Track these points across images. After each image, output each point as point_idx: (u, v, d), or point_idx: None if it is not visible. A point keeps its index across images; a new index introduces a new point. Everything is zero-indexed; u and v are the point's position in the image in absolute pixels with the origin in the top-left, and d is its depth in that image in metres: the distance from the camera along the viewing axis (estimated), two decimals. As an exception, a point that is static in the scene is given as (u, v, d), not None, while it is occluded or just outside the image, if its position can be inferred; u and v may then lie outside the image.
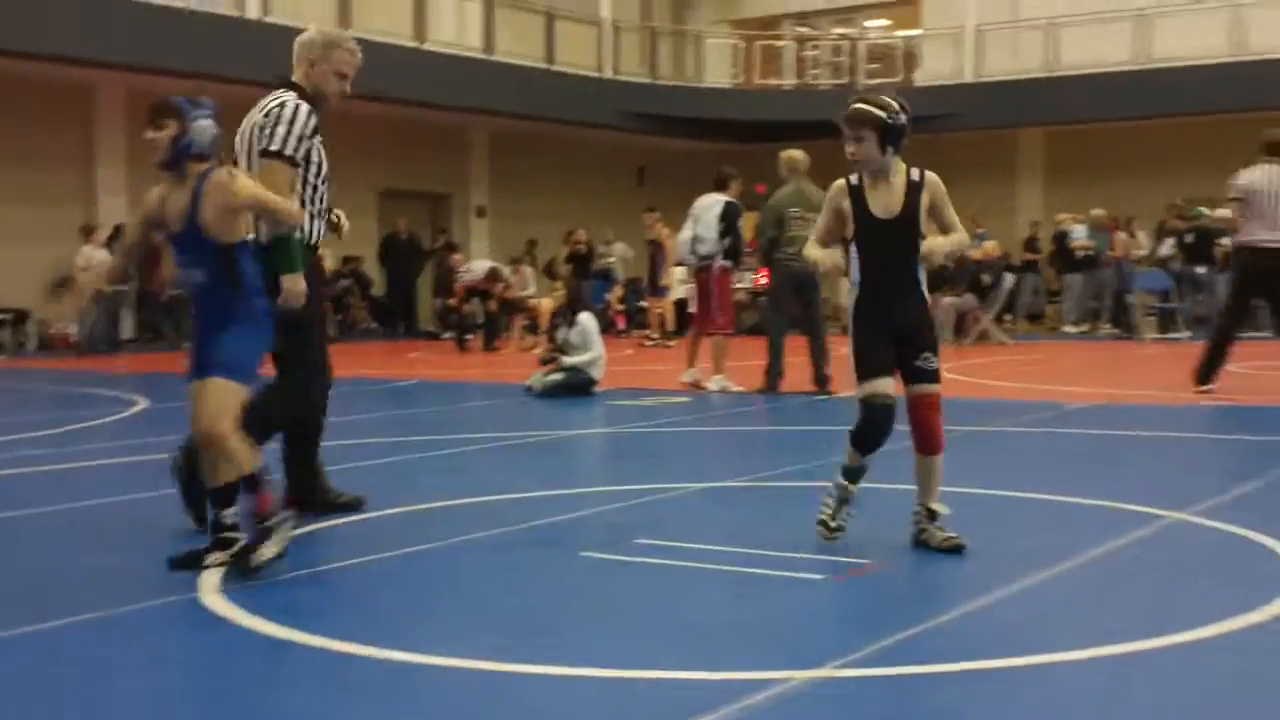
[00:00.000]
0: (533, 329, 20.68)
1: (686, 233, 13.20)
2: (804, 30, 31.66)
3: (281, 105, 6.16)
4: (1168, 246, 22.96)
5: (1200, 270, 21.94)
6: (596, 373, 12.79)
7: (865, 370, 5.58)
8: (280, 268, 5.89)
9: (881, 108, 5.51)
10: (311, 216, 6.25)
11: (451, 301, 21.28)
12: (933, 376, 5.63)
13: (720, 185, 13.07)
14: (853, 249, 5.67)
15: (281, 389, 6.30)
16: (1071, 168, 27.80)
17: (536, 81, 25.27)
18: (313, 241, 6.29)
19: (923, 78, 28.73)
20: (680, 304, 21.77)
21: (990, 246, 21.26)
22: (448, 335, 21.68)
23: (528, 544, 5.87)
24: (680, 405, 11.72)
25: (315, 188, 6.26)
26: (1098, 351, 19.10)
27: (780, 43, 30.30)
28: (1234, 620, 4.38)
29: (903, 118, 5.53)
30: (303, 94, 6.25)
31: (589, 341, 12.86)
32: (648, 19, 30.61)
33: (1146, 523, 6.05)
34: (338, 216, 6.52)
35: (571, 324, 13.07)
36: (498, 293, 20.75)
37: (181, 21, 19.74)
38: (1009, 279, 21.07)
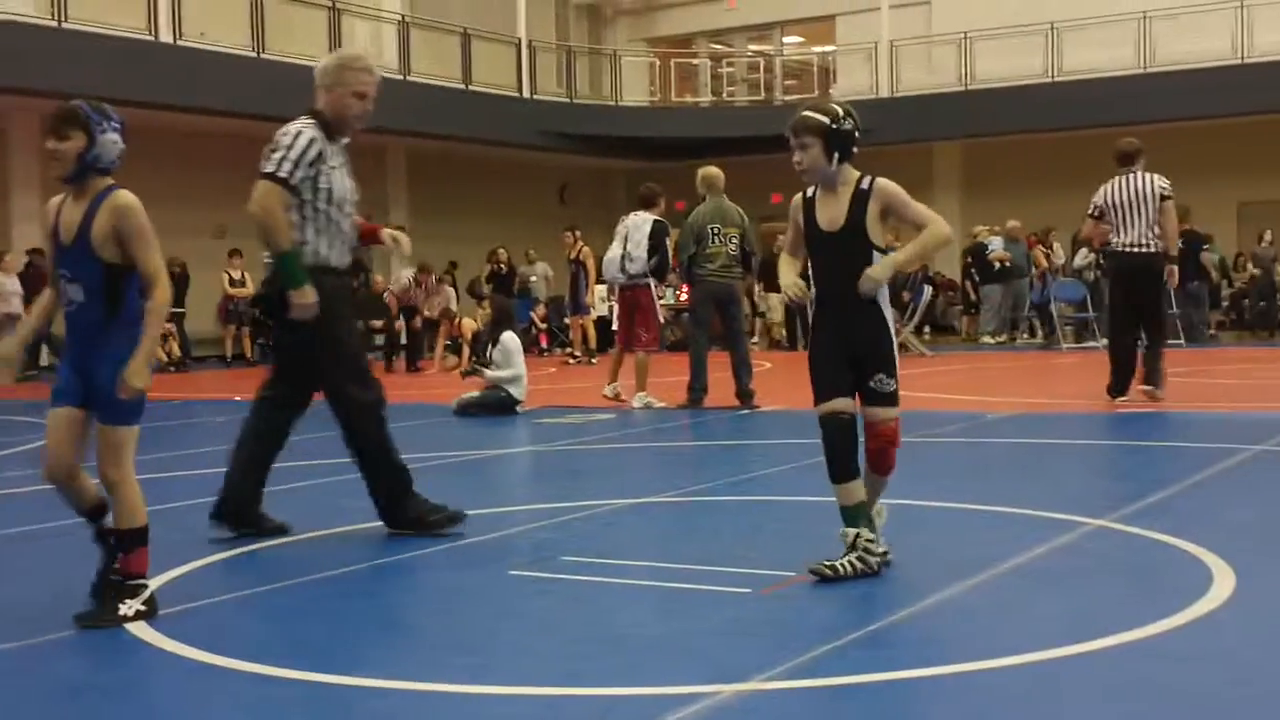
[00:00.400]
0: (455, 348, 20.60)
1: (615, 251, 13.09)
2: (720, 48, 31.87)
3: (285, 132, 6.23)
4: (1082, 257, 23.26)
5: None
6: (518, 392, 12.77)
7: (817, 390, 5.40)
8: (283, 284, 6.08)
9: (826, 113, 5.33)
10: (327, 240, 6.27)
11: (375, 323, 21.16)
12: (886, 400, 5.36)
13: (648, 203, 13.08)
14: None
15: (357, 411, 6.44)
16: (988, 180, 28.13)
17: (454, 102, 25.24)
18: (332, 264, 6.31)
19: (839, 93, 28.94)
20: (602, 321, 21.80)
21: (909, 259, 21.43)
22: (370, 355, 21.58)
23: (453, 564, 5.84)
24: (604, 422, 11.72)
25: (323, 212, 6.24)
26: (1016, 361, 19.29)
27: (696, 60, 30.47)
28: (1155, 625, 4.43)
29: (849, 123, 5.35)
30: (323, 121, 6.25)
31: (511, 360, 12.84)
32: (564, 39, 30.66)
33: (1068, 530, 6.11)
34: (394, 237, 6.66)
35: (495, 343, 13.05)
36: (419, 305, 20.66)
37: (95, 46, 19.51)
38: (928, 291, 21.25)
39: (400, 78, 24.66)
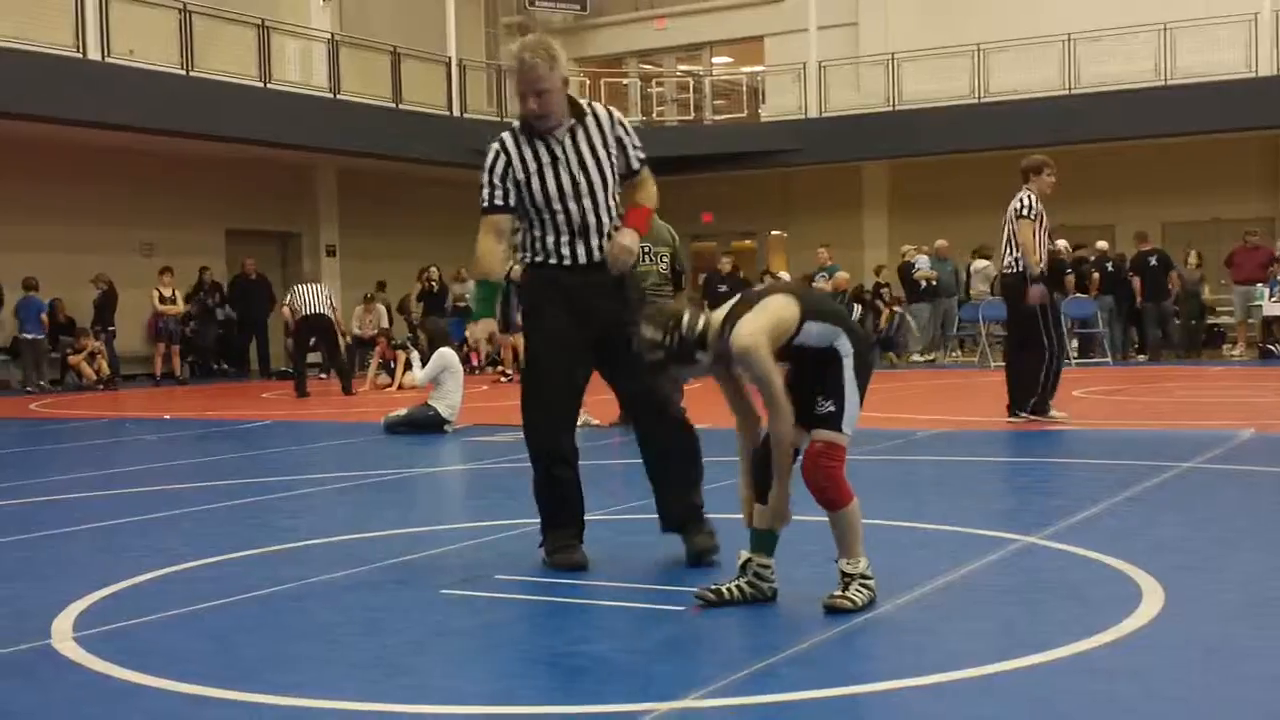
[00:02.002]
0: (387, 369, 20.52)
1: None
2: (649, 68, 31.97)
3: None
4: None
5: (1052, 297, 22.52)
6: (447, 410, 12.73)
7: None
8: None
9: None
10: (553, 238, 5.95)
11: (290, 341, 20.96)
12: (824, 420, 5.19)
13: None
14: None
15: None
16: (915, 200, 28.37)
17: (383, 120, 25.16)
18: (565, 263, 5.95)
19: (768, 113, 29.13)
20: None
21: (841, 278, 21.58)
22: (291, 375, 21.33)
23: (385, 583, 5.81)
24: (506, 444, 11.67)
25: (549, 211, 5.93)
26: (945, 380, 19.45)
27: (626, 80, 30.54)
28: (1085, 641, 4.47)
29: None
30: (524, 124, 6.01)
31: (454, 378, 12.87)
32: (494, 58, 30.66)
33: (998, 547, 6.16)
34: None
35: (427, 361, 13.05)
36: (357, 329, 20.44)
37: (22, 62, 19.28)
38: (856, 309, 21.39)
39: (330, 96, 24.57)
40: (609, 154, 5.96)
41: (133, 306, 22.51)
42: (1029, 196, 11.64)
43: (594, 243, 5.94)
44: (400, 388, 19.16)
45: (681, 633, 4.88)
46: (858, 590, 5.05)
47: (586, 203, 5.91)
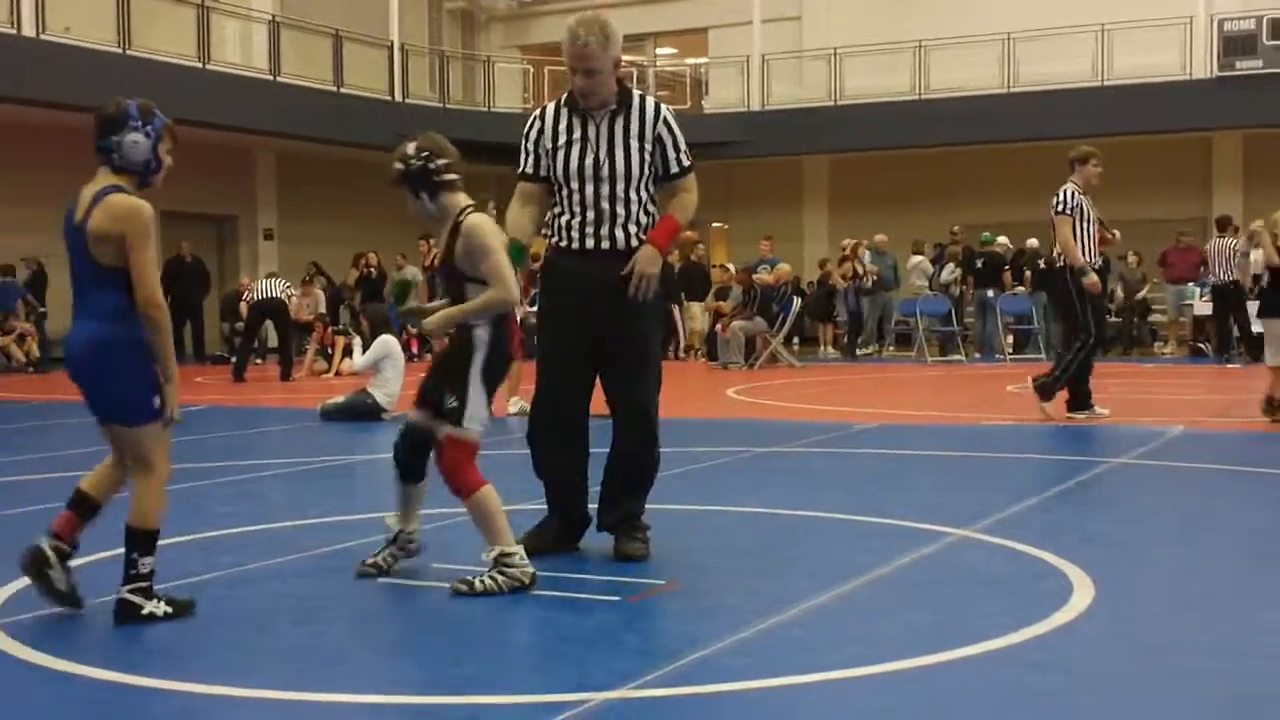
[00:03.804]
0: (325, 354, 20.39)
1: None
2: (593, 56, 31.86)
3: None
4: (948, 272, 23.72)
5: (989, 293, 22.78)
6: (384, 398, 12.66)
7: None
8: None
9: (397, 159, 5.40)
10: (565, 219, 5.86)
11: (237, 324, 20.81)
12: (446, 415, 5.35)
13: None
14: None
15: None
16: (855, 194, 28.51)
17: (324, 104, 24.99)
18: (576, 245, 5.84)
19: (711, 105, 29.18)
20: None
21: (782, 270, 21.65)
22: (231, 359, 21.18)
23: (320, 570, 5.78)
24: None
25: (567, 188, 5.84)
26: (883, 373, 19.57)
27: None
28: (1016, 634, 4.52)
29: (421, 161, 5.38)
30: (570, 97, 5.92)
31: (384, 365, 12.80)
32: (437, 43, 30.52)
33: (932, 540, 6.21)
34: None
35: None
36: (294, 313, 20.28)
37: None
38: (797, 303, 21.49)
39: (270, 78, 24.36)
40: (643, 147, 5.82)
41: (65, 288, 22.24)
42: (1069, 191, 11.54)
43: (605, 230, 5.81)
44: (338, 374, 19.05)
45: (617, 623, 4.89)
46: (491, 577, 5.22)
47: (605, 189, 5.79)
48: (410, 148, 5.41)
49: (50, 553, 4.90)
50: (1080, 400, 11.59)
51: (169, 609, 4.85)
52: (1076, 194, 11.53)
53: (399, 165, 5.39)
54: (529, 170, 5.92)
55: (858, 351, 23.40)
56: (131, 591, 4.82)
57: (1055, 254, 11.64)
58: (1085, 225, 11.49)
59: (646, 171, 5.84)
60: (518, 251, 5.75)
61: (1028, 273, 22.92)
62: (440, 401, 5.37)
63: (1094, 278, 11.31)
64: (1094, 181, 11.67)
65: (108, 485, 5.09)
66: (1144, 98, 24.59)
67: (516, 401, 12.57)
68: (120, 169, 4.94)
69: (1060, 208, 11.49)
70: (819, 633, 4.71)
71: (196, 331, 24.52)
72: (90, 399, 4.96)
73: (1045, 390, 11.56)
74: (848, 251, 24.17)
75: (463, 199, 5.46)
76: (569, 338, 5.83)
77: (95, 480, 5.10)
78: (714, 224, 30.19)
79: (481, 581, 5.22)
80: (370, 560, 5.61)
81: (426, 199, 5.40)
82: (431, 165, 5.38)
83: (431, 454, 5.48)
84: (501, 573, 5.24)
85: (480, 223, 5.36)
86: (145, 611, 4.81)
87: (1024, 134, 25.60)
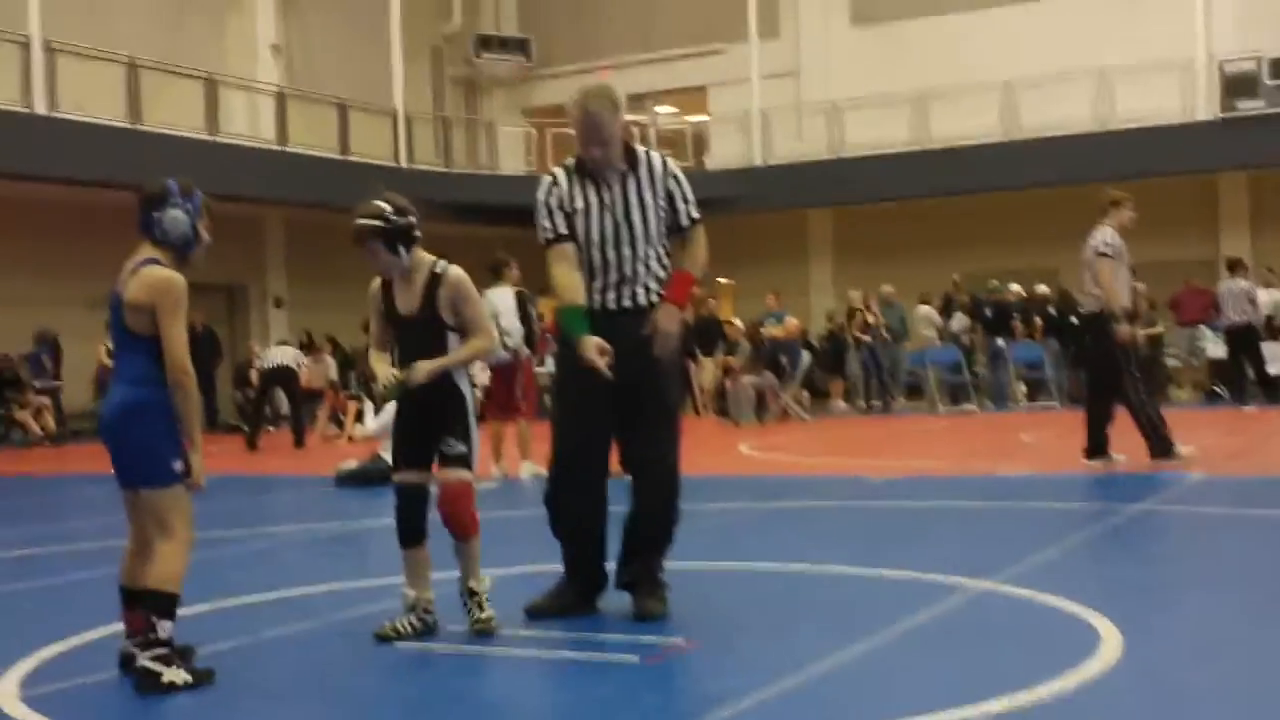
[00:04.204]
0: (337, 420, 20.41)
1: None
2: (595, 117, 31.98)
3: None
4: (958, 321, 23.69)
5: (1000, 341, 22.72)
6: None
7: (396, 461, 5.74)
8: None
9: (376, 216, 5.56)
10: (599, 283, 5.85)
11: (249, 392, 20.83)
12: (455, 460, 5.63)
13: (498, 273, 13.10)
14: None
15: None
16: (860, 245, 28.54)
17: (331, 171, 25.12)
18: (608, 307, 5.84)
19: (713, 162, 29.28)
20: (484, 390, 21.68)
21: (790, 325, 21.66)
22: (243, 428, 21.16)
23: (336, 638, 5.75)
24: (489, 491, 11.64)
25: (588, 253, 5.85)
26: (896, 425, 19.53)
27: (571, 130, 30.62)
28: (1045, 687, 4.47)
29: (403, 218, 5.59)
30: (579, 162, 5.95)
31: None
32: (440, 109, 30.70)
33: (953, 593, 6.17)
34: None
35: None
36: (305, 381, 20.32)
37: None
38: (806, 356, 21.48)
39: (278, 149, 24.51)
40: (657, 204, 5.89)
41: (79, 361, 22.31)
42: (1110, 233, 11.31)
43: (626, 291, 5.85)
44: (350, 439, 19.05)
45: (637, 684, 4.86)
46: (488, 606, 5.66)
47: (626, 251, 5.84)
48: (387, 206, 5.59)
49: (150, 662, 4.87)
50: (1097, 448, 11.49)
51: (189, 678, 4.84)
52: (1117, 237, 11.29)
53: (379, 223, 5.56)
54: (562, 232, 5.88)
55: (867, 404, 23.32)
56: (153, 659, 4.83)
57: (1092, 298, 11.31)
58: (1120, 271, 11.30)
59: (662, 228, 5.90)
60: (579, 317, 5.75)
61: (1038, 320, 22.88)
62: (445, 451, 5.62)
63: (1129, 326, 11.14)
64: (1129, 225, 11.44)
65: (142, 571, 5.11)
66: (1147, 141, 24.63)
67: (530, 466, 12.53)
68: (161, 243, 5.15)
69: (1104, 250, 11.18)
70: (842, 690, 4.68)
71: (210, 401, 24.53)
72: (116, 461, 5.09)
73: (1161, 450, 11.14)
74: (859, 304, 24.13)
75: (426, 253, 5.71)
76: (590, 397, 5.81)
77: (128, 571, 5.16)
78: (720, 279, 30.26)
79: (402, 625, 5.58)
80: (390, 625, 5.62)
81: (404, 253, 5.61)
82: (412, 221, 5.62)
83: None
84: (480, 606, 5.61)
85: (465, 274, 5.67)
86: (165, 680, 4.80)
87: (1027, 181, 25.65)
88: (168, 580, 4.91)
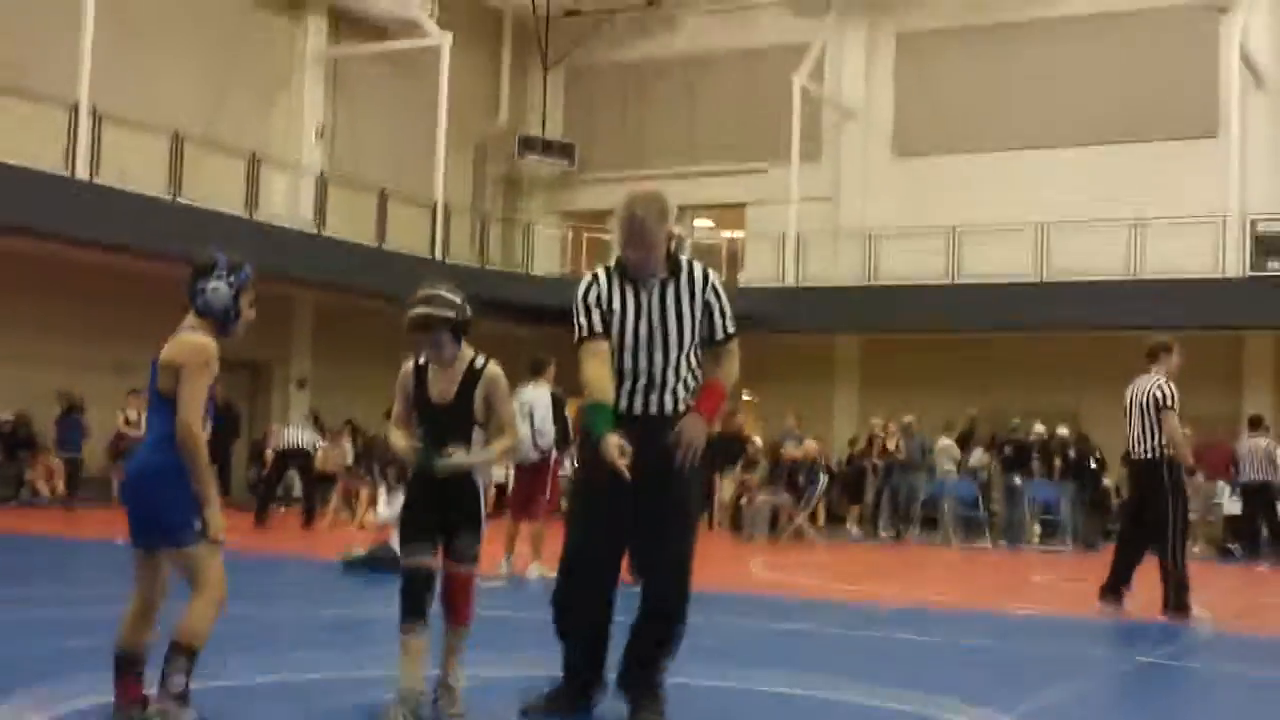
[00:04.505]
0: (349, 505, 20.40)
1: (522, 429, 12.48)
2: (632, 225, 32.22)
3: None
4: (976, 456, 23.65)
5: (1017, 479, 22.66)
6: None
7: (404, 541, 5.93)
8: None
9: (449, 307, 5.77)
10: (625, 388, 5.90)
11: (262, 470, 20.86)
12: (467, 559, 5.84)
13: (538, 373, 13.10)
14: None
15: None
16: (886, 374, 28.56)
17: (365, 258, 25.32)
18: (624, 410, 5.86)
19: (746, 278, 29.42)
20: (499, 488, 21.72)
21: (809, 446, 21.66)
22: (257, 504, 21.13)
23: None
24: (495, 590, 11.60)
25: (619, 356, 5.89)
26: (908, 555, 19.43)
27: (608, 235, 30.86)
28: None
29: (468, 311, 5.85)
30: (620, 264, 6.01)
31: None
32: (480, 205, 31.00)
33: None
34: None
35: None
36: (320, 464, 20.36)
37: (9, 177, 19.37)
38: (824, 479, 21.45)
39: (314, 232, 24.74)
40: (693, 315, 5.92)
41: (96, 425, 22.39)
42: (1169, 385, 11.25)
43: (654, 397, 5.89)
44: (361, 526, 19.03)
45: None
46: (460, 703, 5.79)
47: (659, 357, 5.87)
48: (457, 298, 5.80)
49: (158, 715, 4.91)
50: (1114, 589, 11.36)
51: None
52: (1173, 387, 11.25)
53: (452, 314, 5.74)
54: (597, 329, 5.90)
55: (881, 532, 23.22)
56: (159, 712, 4.88)
57: (1151, 448, 11.19)
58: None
59: (696, 338, 5.94)
60: (605, 415, 5.76)
61: (1057, 460, 22.83)
62: (461, 549, 5.82)
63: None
64: (1176, 374, 11.42)
65: (141, 636, 5.19)
66: (1176, 293, 24.67)
67: (538, 567, 12.46)
68: (202, 314, 5.31)
69: (1167, 402, 11.13)
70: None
71: (223, 477, 24.56)
72: (135, 520, 5.17)
73: (1178, 607, 11.01)
74: (879, 431, 24.11)
75: (468, 346, 5.89)
76: (608, 499, 5.80)
77: (127, 636, 5.21)
78: (744, 396, 30.31)
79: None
80: (387, 712, 5.62)
81: (460, 344, 5.82)
82: (471, 314, 5.85)
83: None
84: (453, 702, 5.77)
85: (502, 373, 5.88)
86: None
87: (1054, 322, 25.71)
88: (193, 635, 5.01)
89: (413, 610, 5.74)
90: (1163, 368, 11.41)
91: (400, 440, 5.90)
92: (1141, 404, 11.24)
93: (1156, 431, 11.16)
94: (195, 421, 5.07)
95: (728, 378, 6.01)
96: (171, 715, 4.82)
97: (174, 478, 5.05)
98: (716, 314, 5.97)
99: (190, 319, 5.30)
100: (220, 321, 5.33)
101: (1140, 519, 11.47)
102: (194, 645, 4.95)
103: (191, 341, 5.21)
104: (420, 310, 5.74)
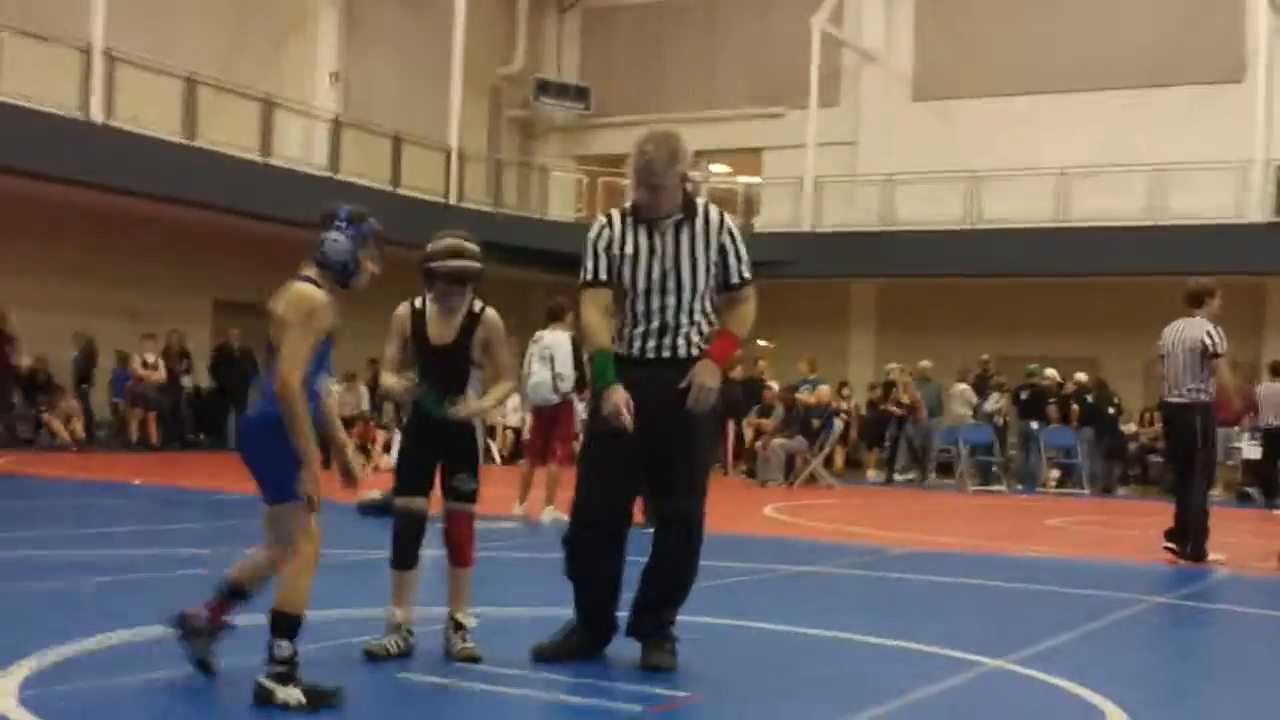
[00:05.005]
0: (364, 450, 20.41)
1: (543, 373, 12.67)
2: (647, 169, 32.09)
3: None
4: (992, 401, 23.57)
5: (1034, 425, 22.61)
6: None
7: (399, 484, 6.03)
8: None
9: (478, 259, 5.94)
10: (641, 330, 5.86)
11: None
12: (466, 496, 5.96)
13: (556, 316, 13.02)
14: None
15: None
16: (902, 319, 28.48)
17: (380, 203, 25.07)
18: (636, 354, 5.84)
19: (762, 224, 29.29)
20: (515, 432, 21.73)
21: (823, 391, 21.61)
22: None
23: (342, 663, 5.71)
24: (507, 531, 11.61)
25: (632, 299, 5.86)
26: (923, 500, 19.41)
27: (624, 180, 30.74)
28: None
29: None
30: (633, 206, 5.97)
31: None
32: (495, 150, 30.86)
33: (964, 669, 6.10)
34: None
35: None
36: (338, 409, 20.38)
37: (23, 119, 19.32)
38: (838, 424, 21.40)
39: (329, 175, 24.65)
40: (708, 257, 5.85)
41: (110, 369, 22.43)
42: (1218, 331, 11.13)
43: (667, 340, 5.83)
44: (376, 469, 19.05)
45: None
46: (471, 639, 5.88)
47: (670, 300, 5.82)
48: (474, 245, 5.94)
49: (266, 679, 4.90)
50: (1199, 547, 10.98)
51: (302, 699, 4.83)
52: (1221, 332, 11.12)
53: (480, 266, 5.93)
54: (601, 276, 5.88)
55: (896, 477, 23.20)
56: (268, 676, 4.87)
57: (1190, 389, 11.03)
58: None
59: (710, 282, 5.87)
60: (608, 363, 5.76)
61: (1075, 406, 22.76)
62: (459, 487, 5.97)
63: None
64: (1217, 317, 11.29)
65: (257, 577, 5.28)
66: (1197, 239, 24.48)
67: (552, 511, 12.44)
68: (320, 264, 5.24)
69: (1216, 348, 11.03)
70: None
71: (239, 420, 24.61)
72: (252, 476, 5.23)
73: (1198, 559, 10.88)
74: (895, 378, 24.01)
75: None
76: (622, 445, 5.77)
77: (243, 568, 5.30)
78: (760, 341, 30.25)
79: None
80: (380, 644, 5.84)
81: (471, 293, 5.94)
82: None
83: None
84: (464, 639, 5.86)
85: (499, 319, 5.99)
86: (279, 699, 4.83)
87: (1074, 269, 25.58)
88: (293, 603, 4.97)
89: (404, 551, 5.92)
90: (1207, 313, 11.24)
91: (394, 380, 6.01)
92: (1186, 348, 11.07)
93: (1199, 375, 11.03)
94: (293, 375, 4.96)
95: (742, 325, 5.94)
96: (277, 696, 4.80)
97: (275, 431, 5.00)
98: (732, 257, 5.90)
99: (307, 266, 5.22)
100: (338, 274, 5.23)
101: (1185, 465, 11.28)
102: (291, 611, 4.94)
103: (300, 291, 5.10)
104: (457, 263, 5.86)
